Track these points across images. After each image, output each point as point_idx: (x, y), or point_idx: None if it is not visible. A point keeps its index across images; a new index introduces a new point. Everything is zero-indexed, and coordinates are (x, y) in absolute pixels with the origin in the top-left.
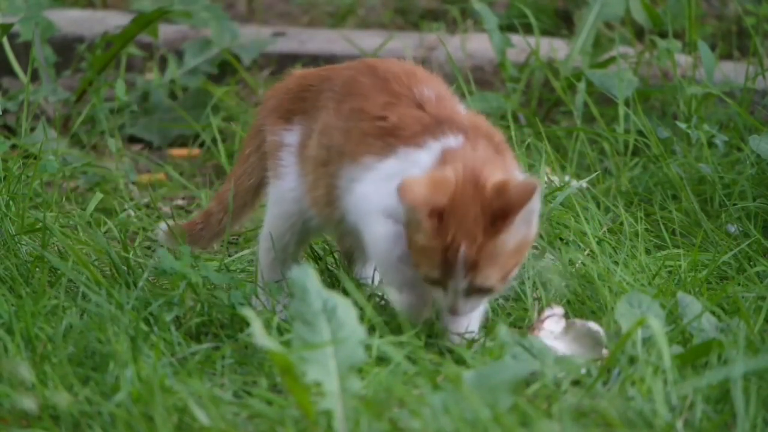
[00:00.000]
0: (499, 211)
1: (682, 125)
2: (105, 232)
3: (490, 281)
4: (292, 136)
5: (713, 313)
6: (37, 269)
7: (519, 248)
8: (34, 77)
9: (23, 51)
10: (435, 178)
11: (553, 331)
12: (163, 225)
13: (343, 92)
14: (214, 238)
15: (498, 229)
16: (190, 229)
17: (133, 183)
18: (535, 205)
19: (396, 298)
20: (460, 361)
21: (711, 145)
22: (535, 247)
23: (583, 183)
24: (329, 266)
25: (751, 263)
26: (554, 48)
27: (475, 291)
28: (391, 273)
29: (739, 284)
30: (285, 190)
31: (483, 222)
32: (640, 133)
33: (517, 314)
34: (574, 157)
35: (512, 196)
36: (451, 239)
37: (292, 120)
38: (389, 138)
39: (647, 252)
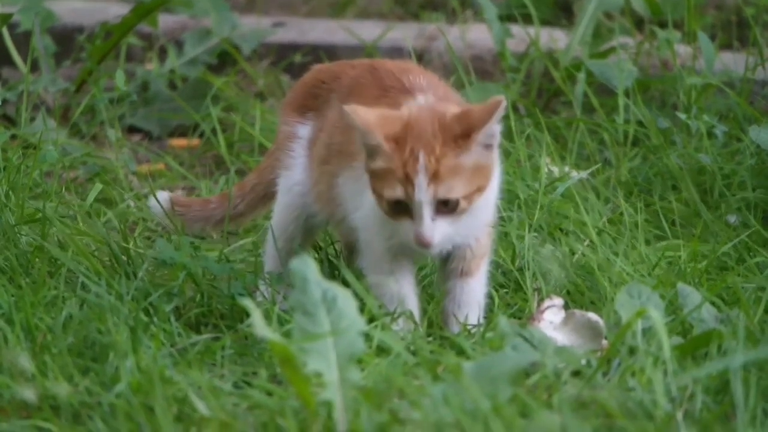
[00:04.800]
0: (461, 132)
1: (682, 116)
2: (105, 223)
3: (454, 193)
4: (304, 130)
5: (713, 303)
6: (37, 259)
7: (480, 169)
8: (34, 67)
9: (23, 41)
10: (385, 113)
11: (552, 321)
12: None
13: (347, 93)
14: (225, 221)
15: (459, 146)
16: (202, 206)
17: (133, 173)
18: (496, 127)
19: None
20: (460, 352)
21: (711, 135)
22: (536, 237)
23: (584, 174)
24: (330, 257)
25: (751, 254)
26: (554, 38)
27: (442, 207)
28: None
29: (738, 275)
30: (292, 182)
31: (442, 138)
32: (639, 123)
33: (517, 305)
34: (573, 148)
35: (475, 115)
36: (410, 152)
37: (306, 114)
38: None
39: (647, 243)
